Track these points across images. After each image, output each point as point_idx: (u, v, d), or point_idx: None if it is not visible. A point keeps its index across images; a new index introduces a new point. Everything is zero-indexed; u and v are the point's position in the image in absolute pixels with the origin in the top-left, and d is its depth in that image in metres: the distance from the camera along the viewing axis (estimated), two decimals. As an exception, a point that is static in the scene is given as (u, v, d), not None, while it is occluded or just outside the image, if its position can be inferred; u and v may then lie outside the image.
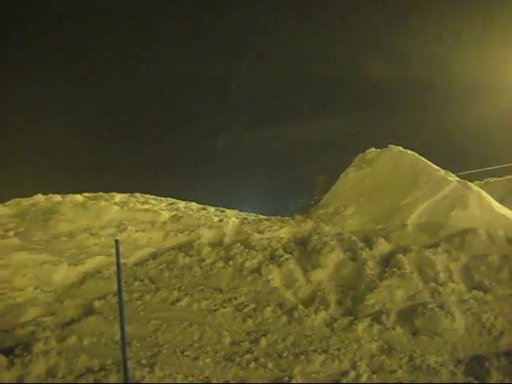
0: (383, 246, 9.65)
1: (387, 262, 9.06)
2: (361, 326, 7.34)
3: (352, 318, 7.64)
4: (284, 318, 7.74)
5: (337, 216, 11.38)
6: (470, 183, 11.51)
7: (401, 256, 9.05)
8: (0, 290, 8.79)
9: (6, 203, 12.58)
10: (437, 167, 12.14)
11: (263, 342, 7.08)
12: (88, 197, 13.13)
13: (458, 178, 11.93)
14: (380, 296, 8.05)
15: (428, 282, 8.36)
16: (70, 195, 13.09)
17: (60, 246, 10.26)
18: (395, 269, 8.68)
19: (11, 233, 10.71)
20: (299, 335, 7.29)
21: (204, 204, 14.36)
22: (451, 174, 12.10)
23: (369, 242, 9.83)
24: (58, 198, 12.87)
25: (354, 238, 10.12)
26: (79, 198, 12.89)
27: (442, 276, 8.51)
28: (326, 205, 12.30)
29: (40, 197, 12.97)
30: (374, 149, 13.31)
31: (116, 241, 5.77)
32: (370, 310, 7.79)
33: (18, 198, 12.95)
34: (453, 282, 8.37)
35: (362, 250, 9.54)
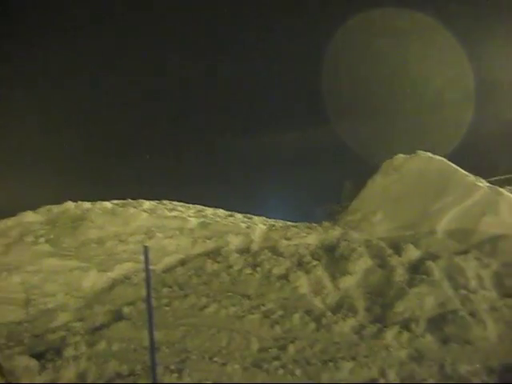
0: (412, 253, 9.54)
1: (416, 269, 8.96)
2: (390, 334, 7.25)
3: (381, 325, 7.55)
4: (312, 325, 7.69)
5: (365, 222, 11.31)
6: (500, 189, 11.34)
7: (430, 263, 8.93)
8: (31, 295, 8.95)
9: (36, 210, 12.82)
10: (466, 173, 11.99)
11: (291, 348, 7.04)
12: (117, 204, 13.30)
13: (488, 184, 11.77)
14: (409, 303, 7.95)
15: (458, 289, 8.23)
16: (98, 202, 13.29)
17: (89, 253, 10.41)
18: (424, 276, 8.58)
19: (42, 239, 10.90)
20: (327, 342, 7.23)
21: (231, 211, 14.40)
22: (481, 179, 11.94)
23: (397, 249, 9.73)
24: (87, 204, 13.07)
25: (382, 244, 10.03)
26: (108, 205, 13.07)
27: (473, 283, 8.38)
28: (353, 211, 12.23)
29: (70, 204, 13.19)
30: (401, 155, 13.21)
31: (145, 247, 5.81)
32: (399, 318, 7.70)
33: (49, 205, 13.18)
34: (484, 289, 8.23)
35: (390, 256, 9.45)
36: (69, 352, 6.92)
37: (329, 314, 7.94)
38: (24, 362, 6.56)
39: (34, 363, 6.56)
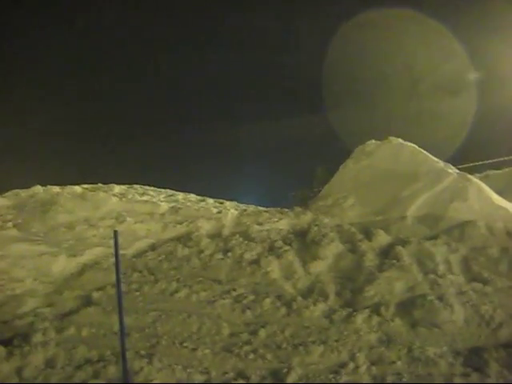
0: (382, 238, 9.63)
1: (386, 254, 9.05)
2: (360, 318, 7.32)
3: (351, 309, 7.62)
4: (283, 310, 7.72)
5: (336, 208, 11.37)
6: (469, 175, 11.50)
7: (400, 248, 9.03)
8: (-1, 281, 8.78)
9: (4, 194, 12.57)
10: (436, 159, 12.12)
11: (262, 333, 7.06)
12: (87, 188, 13.11)
13: (457, 171, 11.92)
14: (379, 288, 8.03)
15: (427, 273, 8.35)
16: (68, 186, 13.08)
17: (59, 238, 10.25)
18: (394, 261, 8.67)
19: (10, 224, 10.70)
20: (298, 327, 7.27)
21: (203, 196, 14.32)
22: (451, 166, 12.09)
23: (368, 234, 9.81)
24: (56, 189, 12.85)
25: (353, 229, 10.10)
26: (78, 189, 12.88)
27: (442, 268, 8.50)
28: (325, 197, 12.29)
29: (38, 188, 12.95)
30: (373, 141, 13.28)
31: (115, 232, 5.75)
32: (369, 302, 7.77)
33: (17, 190, 12.93)
34: (452, 273, 8.36)
35: (361, 241, 9.53)
36: (37, 338, 6.82)
37: (299, 298, 7.97)
38: (-10, 348, 6.45)
39: (1, 349, 6.44)
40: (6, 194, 12.66)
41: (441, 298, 7.53)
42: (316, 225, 10.44)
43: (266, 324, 7.31)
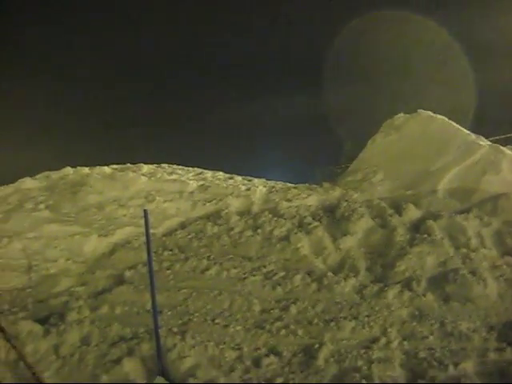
0: (413, 213, 9.52)
1: (417, 229, 8.95)
2: (391, 293, 7.28)
3: (382, 284, 7.58)
4: (314, 286, 7.71)
5: (365, 183, 11.27)
6: (502, 147, 11.26)
7: (431, 222, 8.92)
8: (33, 261, 8.95)
9: (35, 177, 12.74)
10: (467, 132, 11.90)
11: (293, 309, 7.08)
12: (116, 168, 13.22)
13: (489, 143, 11.68)
14: (410, 262, 7.96)
15: (459, 248, 8.24)
16: (97, 167, 13.20)
17: (90, 218, 10.37)
18: (425, 235, 8.58)
19: (42, 206, 10.85)
20: (329, 302, 7.26)
21: (231, 173, 14.32)
22: (483, 138, 11.85)
23: (398, 209, 9.71)
24: (86, 170, 12.98)
25: (383, 204, 10.01)
26: (107, 169, 12.99)
27: (474, 242, 8.38)
28: (354, 172, 12.20)
29: (68, 169, 13.10)
30: (402, 114, 13.11)
31: (145, 211, 5.79)
32: (400, 277, 7.72)
33: (47, 172, 13.09)
34: (485, 247, 8.24)
35: (391, 216, 9.44)
36: (72, 316, 6.95)
37: (330, 274, 7.96)
38: (28, 326, 6.59)
39: (37, 328, 6.59)
40: (37, 176, 12.83)
41: (473, 273, 7.44)
42: (345, 200, 10.38)
43: (296, 300, 7.31)
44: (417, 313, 6.83)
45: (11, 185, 12.32)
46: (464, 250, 8.13)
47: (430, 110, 12.72)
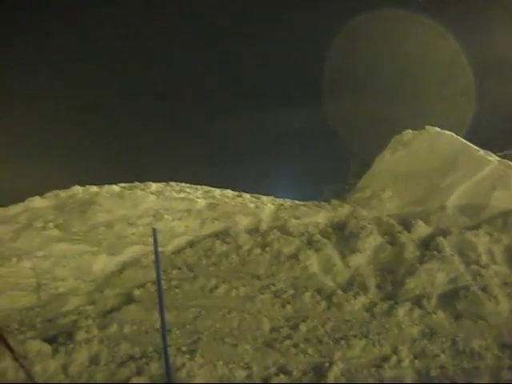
0: (422, 229, 9.48)
1: (427, 245, 8.91)
2: (401, 311, 7.24)
3: (392, 302, 7.54)
4: (323, 304, 7.68)
5: (374, 200, 11.24)
6: (511, 163, 11.21)
7: (441, 239, 8.88)
8: (42, 280, 8.96)
9: (44, 195, 12.79)
10: (476, 147, 11.87)
11: (303, 327, 7.04)
12: (124, 187, 13.24)
13: (498, 158, 11.64)
14: (420, 280, 7.92)
15: (470, 264, 8.19)
16: (106, 186, 13.23)
17: (98, 236, 10.38)
18: (435, 252, 8.53)
19: (51, 224, 10.87)
20: (339, 320, 7.22)
21: (239, 191, 14.32)
22: (491, 153, 11.82)
23: (407, 225, 9.67)
24: (94, 188, 13.02)
25: (392, 221, 9.97)
26: (116, 188, 13.02)
27: (485, 258, 8.33)
28: (362, 189, 12.17)
29: (77, 188, 13.14)
30: (410, 130, 13.10)
31: (153, 229, 5.78)
32: (410, 294, 7.67)
33: (56, 190, 13.14)
34: (495, 264, 8.19)
35: (400, 233, 9.40)
36: (81, 335, 6.93)
37: (339, 292, 7.92)
38: (36, 346, 6.57)
39: (46, 347, 6.57)
40: (47, 194, 12.88)
41: (484, 289, 7.38)
42: (354, 217, 10.35)
43: (306, 318, 7.28)
44: (428, 331, 6.78)
45: (20, 203, 12.37)
46: (474, 267, 8.08)
47: (438, 126, 12.72)
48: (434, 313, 7.15)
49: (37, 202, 12.37)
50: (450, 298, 7.44)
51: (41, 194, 12.86)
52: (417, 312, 7.21)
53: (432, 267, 8.15)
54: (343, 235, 9.73)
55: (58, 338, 6.94)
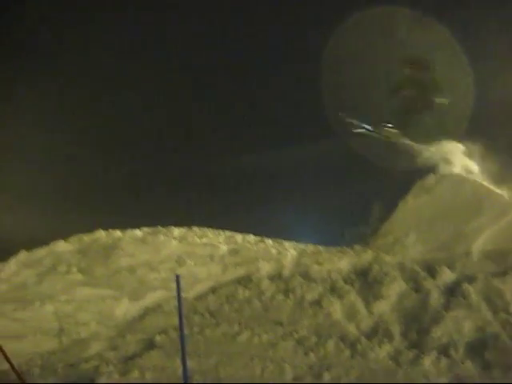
0: (447, 276, 9.32)
1: (452, 292, 8.74)
2: (428, 360, 7.05)
3: (418, 351, 7.34)
4: (347, 352, 7.53)
5: (397, 245, 11.15)
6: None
7: (467, 285, 8.71)
8: (64, 324, 9.00)
9: (68, 239, 12.95)
10: (500, 192, 11.78)
11: (326, 376, 6.90)
12: (147, 231, 13.36)
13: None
14: (447, 328, 7.74)
15: (498, 312, 8.00)
16: (129, 230, 13.37)
17: (121, 281, 10.45)
18: (461, 299, 8.36)
19: (74, 268, 11.00)
20: (363, 369, 7.07)
21: (261, 236, 14.32)
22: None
23: (432, 272, 9.52)
24: (117, 233, 13.17)
25: (416, 267, 9.84)
26: (138, 232, 13.15)
27: (513, 306, 8.15)
28: (385, 234, 12.09)
29: (101, 232, 13.31)
30: (433, 175, 13.09)
31: (177, 276, 5.81)
32: (436, 343, 7.48)
33: (80, 234, 13.31)
34: (524, 311, 7.99)
35: (425, 279, 9.26)
36: (102, 381, 6.89)
37: (364, 339, 7.77)
38: (58, 392, 6.56)
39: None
40: (70, 238, 13.05)
41: (514, 338, 7.19)
42: (377, 263, 10.23)
43: (330, 367, 7.13)
44: (456, 381, 6.60)
45: (45, 247, 12.56)
46: (503, 315, 7.88)
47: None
48: (462, 362, 6.96)
49: (61, 245, 12.56)
50: (479, 347, 7.24)
51: (65, 237, 13.04)
52: (444, 361, 7.03)
53: (458, 315, 7.98)
54: (367, 281, 9.62)
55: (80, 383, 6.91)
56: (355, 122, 13.35)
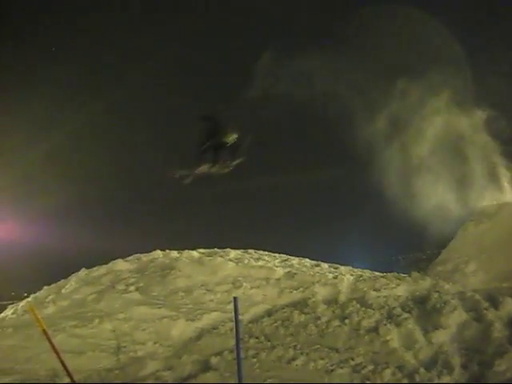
0: (511, 307, 9.01)
1: (516, 324, 8.44)
2: (490, 395, 6.82)
3: (480, 384, 7.11)
4: (405, 381, 7.35)
5: (457, 273, 10.89)
6: None
7: (531, 317, 8.41)
8: (122, 342, 9.15)
9: (127, 259, 13.22)
10: None
11: (384, 406, 6.76)
12: (203, 253, 13.49)
13: None
14: (511, 362, 7.46)
15: None
16: (186, 251, 13.53)
17: (178, 302, 10.56)
18: (526, 331, 8.07)
19: (132, 287, 11.19)
20: (422, 401, 6.89)
21: (317, 260, 14.23)
22: None
23: (494, 302, 9.22)
24: (175, 253, 13.35)
25: (477, 296, 9.55)
26: (195, 254, 13.29)
27: None
28: (444, 261, 11.84)
29: (158, 253, 13.53)
30: (494, 202, 12.77)
31: (235, 298, 5.85)
32: (500, 377, 7.21)
33: (138, 254, 13.57)
34: None
35: (486, 310, 8.97)
36: (158, 401, 6.97)
37: (422, 370, 7.58)
38: (115, 409, 6.66)
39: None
40: (129, 258, 13.31)
41: None
42: (436, 291, 10.00)
43: (387, 397, 6.99)
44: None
45: (104, 265, 12.85)
46: None
47: None
48: (527, 398, 6.70)
49: (119, 264, 12.81)
50: (544, 382, 6.96)
51: (123, 256, 13.31)
52: (507, 397, 6.78)
53: (523, 348, 7.68)
54: (425, 310, 9.40)
55: (136, 402, 7.01)
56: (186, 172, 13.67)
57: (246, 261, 12.56)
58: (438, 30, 17.41)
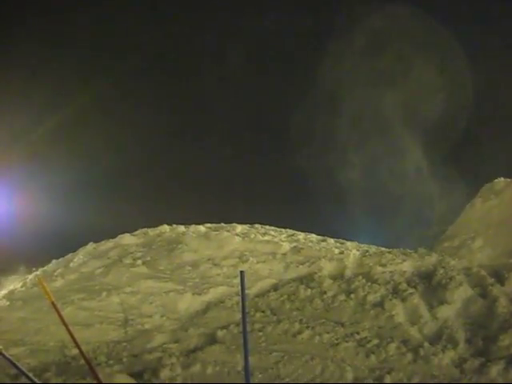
0: (516, 282, 9.04)
1: (521, 300, 8.47)
2: (495, 369, 6.82)
3: (484, 359, 7.13)
4: (409, 356, 7.40)
5: (463, 249, 10.87)
6: None
7: (537, 293, 8.43)
8: (129, 315, 9.26)
9: (134, 233, 13.30)
10: None
11: (388, 379, 6.82)
12: (210, 227, 13.54)
13: None
14: (515, 337, 7.49)
15: None
16: (193, 226, 13.59)
17: (184, 276, 10.63)
18: (531, 307, 8.10)
19: (139, 261, 11.27)
20: (426, 375, 6.94)
21: (323, 235, 14.26)
22: None
23: (500, 278, 9.24)
24: (181, 228, 13.40)
25: (483, 272, 9.57)
26: (202, 228, 13.34)
27: None
28: (451, 237, 11.81)
29: (165, 227, 13.58)
30: (502, 179, 12.68)
31: (241, 272, 5.84)
32: (504, 352, 7.24)
33: (145, 228, 13.64)
34: None
35: (492, 285, 8.99)
36: (165, 373, 7.06)
37: (427, 344, 7.62)
38: (123, 380, 6.77)
39: (132, 382, 6.74)
40: (136, 232, 13.39)
41: None
42: (442, 267, 10.01)
43: (391, 370, 7.04)
44: (523, 392, 6.39)
45: (111, 240, 12.94)
46: None
47: None
48: (532, 373, 6.74)
49: (127, 239, 12.90)
50: (550, 357, 6.99)
51: (131, 231, 13.39)
52: (512, 372, 6.81)
53: (528, 323, 7.72)
54: (431, 285, 9.43)
55: (144, 374, 7.11)
56: None
57: (253, 235, 12.59)
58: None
